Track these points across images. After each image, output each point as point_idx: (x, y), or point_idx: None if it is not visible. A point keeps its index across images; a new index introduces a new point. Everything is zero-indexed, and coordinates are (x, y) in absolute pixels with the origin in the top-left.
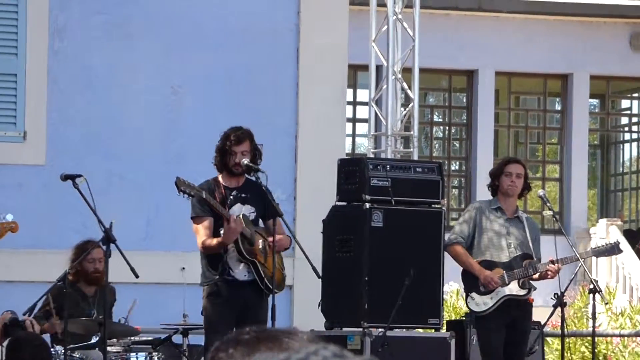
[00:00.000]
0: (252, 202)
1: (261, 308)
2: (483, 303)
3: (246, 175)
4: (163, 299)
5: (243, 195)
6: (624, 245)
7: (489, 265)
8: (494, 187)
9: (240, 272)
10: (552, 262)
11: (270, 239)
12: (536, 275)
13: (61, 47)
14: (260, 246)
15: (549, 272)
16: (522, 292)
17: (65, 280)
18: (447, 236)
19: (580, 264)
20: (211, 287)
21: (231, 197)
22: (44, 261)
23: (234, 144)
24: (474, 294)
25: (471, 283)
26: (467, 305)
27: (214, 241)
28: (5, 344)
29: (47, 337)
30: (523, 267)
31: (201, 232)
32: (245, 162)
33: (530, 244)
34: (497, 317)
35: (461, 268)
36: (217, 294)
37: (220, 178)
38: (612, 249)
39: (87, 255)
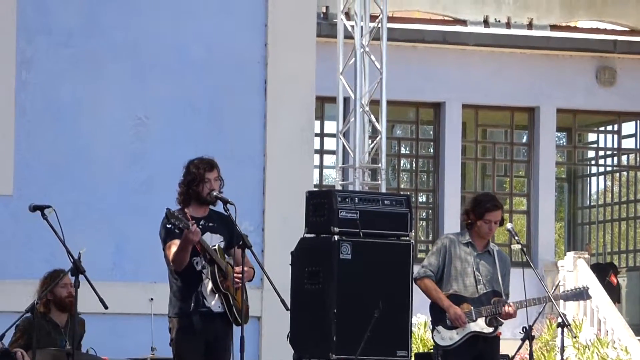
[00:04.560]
0: (219, 231)
1: (228, 339)
2: (449, 338)
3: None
4: (131, 329)
5: (210, 224)
6: (592, 281)
7: (458, 299)
8: (469, 223)
9: (215, 303)
10: (509, 305)
11: (238, 269)
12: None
13: (28, 78)
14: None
15: (503, 313)
16: (489, 329)
17: (34, 311)
18: (416, 269)
19: (548, 296)
20: (183, 320)
21: (200, 226)
22: (11, 291)
23: (207, 170)
24: (440, 328)
25: (438, 316)
26: (433, 339)
27: (172, 249)
28: None
29: None
30: (492, 305)
31: (172, 249)
32: (215, 193)
33: (500, 279)
34: (464, 351)
35: (429, 300)
36: (189, 328)
37: (185, 210)
38: (581, 294)
39: (58, 282)
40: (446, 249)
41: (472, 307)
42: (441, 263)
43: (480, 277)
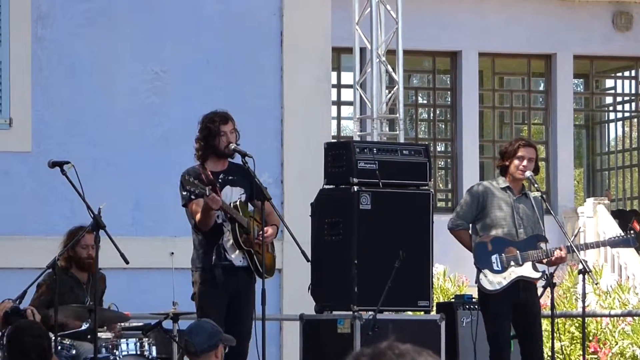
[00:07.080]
0: (240, 184)
1: (251, 292)
2: (497, 282)
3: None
4: (152, 284)
5: (230, 177)
6: (612, 226)
7: (503, 242)
8: (503, 167)
9: (236, 257)
10: (560, 249)
11: (260, 234)
12: (545, 260)
13: (44, 34)
14: (256, 234)
15: (557, 259)
16: (536, 274)
17: (55, 267)
18: (450, 218)
19: (569, 244)
20: (206, 273)
21: (219, 180)
22: (31, 248)
23: (222, 123)
24: (486, 272)
25: (484, 259)
26: (480, 283)
27: (195, 209)
28: (5, 332)
29: None
30: (538, 249)
31: (194, 208)
32: (233, 146)
33: (541, 223)
34: (507, 300)
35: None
36: (212, 281)
37: (205, 165)
38: (628, 241)
39: (77, 241)
40: (480, 195)
41: (518, 252)
42: (475, 212)
43: (521, 222)
